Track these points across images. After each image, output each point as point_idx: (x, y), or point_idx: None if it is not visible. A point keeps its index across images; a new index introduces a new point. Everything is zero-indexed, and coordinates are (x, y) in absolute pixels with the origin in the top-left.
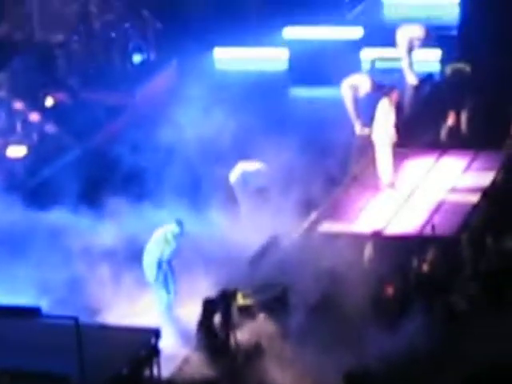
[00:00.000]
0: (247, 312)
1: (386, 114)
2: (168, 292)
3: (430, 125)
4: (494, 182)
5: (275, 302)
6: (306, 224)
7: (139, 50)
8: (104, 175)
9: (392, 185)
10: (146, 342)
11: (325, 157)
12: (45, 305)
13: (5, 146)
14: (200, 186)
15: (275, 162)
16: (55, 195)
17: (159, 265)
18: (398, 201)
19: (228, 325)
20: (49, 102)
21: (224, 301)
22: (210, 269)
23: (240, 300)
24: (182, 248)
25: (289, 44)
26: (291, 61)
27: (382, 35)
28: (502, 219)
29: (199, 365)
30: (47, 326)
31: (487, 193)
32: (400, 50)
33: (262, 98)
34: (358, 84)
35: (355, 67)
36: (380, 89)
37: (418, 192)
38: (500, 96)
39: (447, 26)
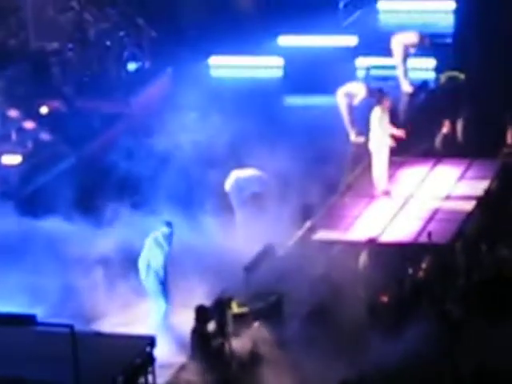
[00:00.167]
0: (242, 320)
1: (379, 122)
2: (166, 300)
3: (425, 133)
4: (488, 191)
5: (270, 310)
6: (301, 232)
7: (134, 58)
8: (99, 183)
9: (387, 193)
10: (141, 350)
11: (320, 165)
12: (40, 312)
13: None
14: (195, 193)
15: (270, 169)
16: (50, 203)
17: (156, 272)
18: (393, 209)
19: (223, 333)
20: (44, 110)
21: (219, 309)
22: (205, 277)
23: (235, 308)
24: (175, 250)
25: (284, 52)
26: (286, 69)
27: (378, 43)
28: (497, 227)
29: (194, 373)
30: (42, 333)
31: (482, 201)
32: (395, 58)
33: (257, 105)
34: (353, 92)
35: (350, 75)
36: (373, 94)
37: (412, 200)
38: (494, 104)
39: (442, 34)
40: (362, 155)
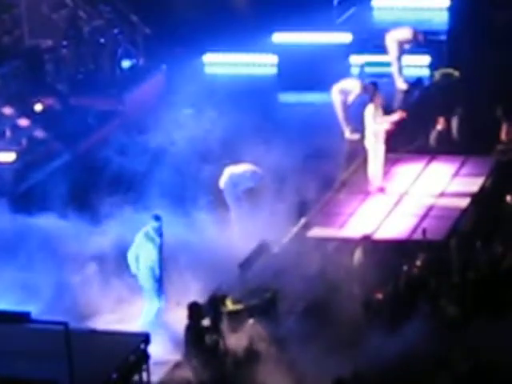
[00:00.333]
0: (237, 317)
1: (373, 119)
2: (159, 297)
3: (420, 130)
4: (483, 188)
5: (265, 306)
6: (295, 229)
7: (128, 55)
8: (93, 180)
9: (382, 190)
10: (135, 348)
11: (314, 161)
12: (34, 310)
13: None
14: (190, 190)
15: (264, 166)
16: (44, 200)
17: (152, 268)
18: (388, 206)
19: (217, 330)
20: (38, 107)
21: (213, 306)
22: (200, 273)
23: (229, 305)
24: (169, 247)
25: (278, 49)
26: (280, 66)
27: (372, 40)
28: (491, 224)
29: (188, 370)
30: (36, 331)
31: (476, 198)
32: (390, 55)
33: (251, 103)
34: (347, 88)
35: (345, 72)
36: (367, 90)
37: (407, 197)
38: (488, 101)
39: (436, 31)
40: (357, 152)
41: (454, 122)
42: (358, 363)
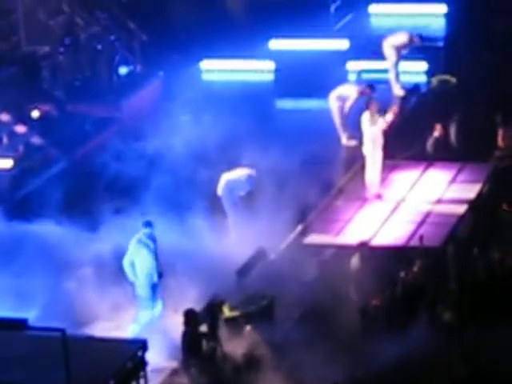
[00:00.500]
0: (234, 324)
1: (370, 127)
2: (153, 304)
3: (417, 136)
4: (480, 194)
5: (262, 313)
6: (292, 235)
7: (125, 62)
8: (90, 187)
9: (379, 196)
10: (132, 354)
11: (311, 167)
12: (30, 316)
13: None
14: (187, 196)
15: (261, 172)
16: (41, 207)
17: (150, 274)
18: (385, 212)
19: (214, 336)
20: (35, 113)
21: (210, 312)
22: (197, 280)
23: (226, 312)
24: (167, 254)
25: (275, 55)
26: (277, 72)
27: (369, 46)
28: (488, 231)
29: (186, 377)
30: (34, 337)
31: (473, 205)
32: (387, 62)
33: (248, 109)
34: (345, 94)
35: (342, 78)
36: (364, 93)
37: (404, 203)
38: (486, 107)
39: (433, 38)
40: (354, 158)
41: (451, 129)
42: (355, 369)
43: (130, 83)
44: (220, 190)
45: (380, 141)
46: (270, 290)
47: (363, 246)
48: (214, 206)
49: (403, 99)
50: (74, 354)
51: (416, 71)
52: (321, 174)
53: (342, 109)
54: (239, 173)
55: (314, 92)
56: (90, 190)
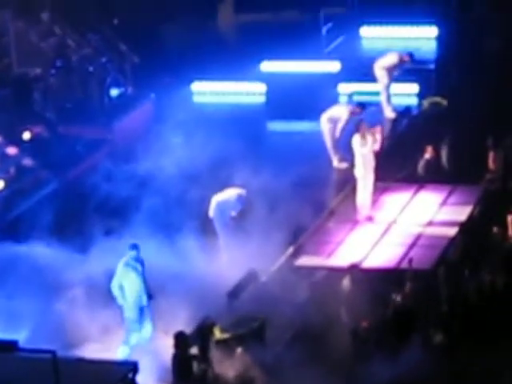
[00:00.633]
0: (225, 346)
1: (361, 149)
2: (142, 327)
3: (408, 159)
4: (471, 217)
5: (253, 335)
6: (284, 257)
7: (117, 84)
8: (81, 209)
9: (370, 218)
10: (123, 376)
11: (302, 190)
12: (21, 338)
13: None
14: (178, 218)
15: (253, 194)
16: (32, 228)
17: (139, 297)
18: (376, 234)
19: (205, 359)
20: (26, 135)
21: (201, 334)
22: (188, 302)
23: (217, 334)
24: (158, 275)
25: (266, 77)
26: (269, 94)
27: (361, 69)
28: (479, 253)
29: None
30: (24, 359)
31: (464, 227)
32: (379, 84)
33: (239, 131)
34: (336, 116)
35: (333, 101)
36: (355, 112)
37: (395, 226)
38: (476, 130)
39: (424, 60)
40: (346, 181)
41: (443, 151)
42: None
43: (122, 105)
44: (211, 212)
45: (372, 163)
46: (261, 311)
47: (354, 268)
48: (205, 227)
49: (394, 121)
50: (64, 376)
51: (407, 93)
52: (312, 196)
53: (333, 131)
54: (229, 193)
55: (306, 114)
56: (81, 211)
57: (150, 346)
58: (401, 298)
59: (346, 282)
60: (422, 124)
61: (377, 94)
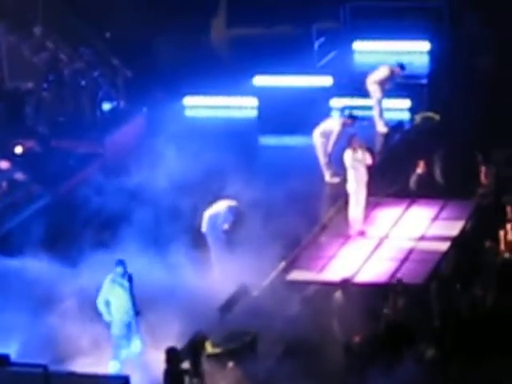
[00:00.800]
0: (216, 360)
1: (353, 164)
2: (128, 344)
3: (400, 173)
4: (463, 231)
5: (245, 350)
6: (275, 272)
7: (109, 98)
8: (73, 223)
9: (362, 233)
10: None
11: (294, 204)
12: (13, 352)
13: None
14: (170, 232)
15: (244, 208)
16: (24, 242)
17: (126, 313)
18: (368, 249)
19: (197, 373)
20: (18, 149)
21: (193, 349)
22: (180, 317)
23: (209, 348)
24: (150, 290)
25: (258, 92)
26: (261, 109)
27: (353, 83)
28: (471, 268)
29: None
30: (16, 373)
31: (456, 241)
32: (372, 98)
33: (231, 146)
34: (328, 129)
35: (325, 115)
36: (346, 124)
37: (387, 240)
38: (469, 145)
39: (417, 75)
40: (338, 195)
41: (435, 166)
42: None
43: (114, 119)
44: (204, 227)
45: (364, 178)
46: (252, 326)
47: (346, 283)
48: (197, 241)
49: (386, 136)
50: None
51: (399, 108)
52: (304, 211)
53: (325, 145)
54: (219, 206)
55: (298, 128)
56: (72, 225)
57: (141, 361)
58: (393, 312)
59: (338, 297)
60: (414, 139)
61: (369, 108)
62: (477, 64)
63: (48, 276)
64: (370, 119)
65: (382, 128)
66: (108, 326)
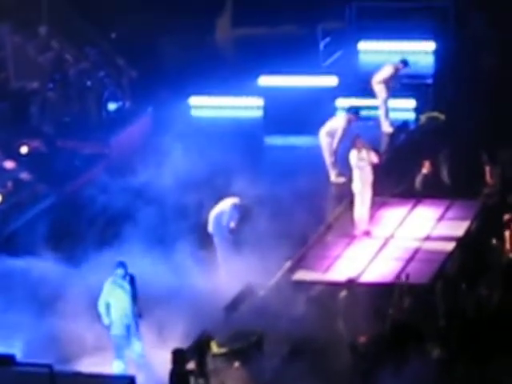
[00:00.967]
0: (222, 360)
1: (358, 164)
2: (129, 344)
3: (405, 173)
4: (468, 231)
5: (250, 350)
6: (281, 272)
7: (114, 98)
8: (79, 222)
9: (367, 233)
10: None
11: (299, 205)
12: (18, 352)
13: None
14: (176, 232)
15: (250, 209)
16: (30, 242)
17: (125, 315)
18: (374, 249)
19: (203, 374)
20: (24, 149)
21: (198, 349)
22: (186, 316)
23: (214, 348)
24: (156, 290)
25: (264, 92)
26: (266, 109)
27: (358, 83)
28: (477, 268)
29: None
30: (21, 373)
31: (462, 241)
32: (377, 98)
33: (237, 146)
34: (334, 127)
35: (330, 115)
36: (350, 120)
37: (393, 240)
38: (474, 144)
39: (422, 75)
40: (343, 195)
41: (440, 166)
42: None
43: (119, 119)
44: (210, 227)
45: (369, 178)
46: (258, 326)
47: (352, 283)
48: (203, 241)
49: (392, 136)
50: None
51: (405, 108)
52: (309, 211)
53: (331, 145)
54: (224, 204)
55: (303, 129)
56: (78, 225)
57: (147, 361)
58: (398, 312)
59: (343, 297)
60: (419, 139)
61: (374, 108)
62: (482, 64)
63: (53, 276)
64: (375, 119)
65: (387, 128)
66: (107, 327)
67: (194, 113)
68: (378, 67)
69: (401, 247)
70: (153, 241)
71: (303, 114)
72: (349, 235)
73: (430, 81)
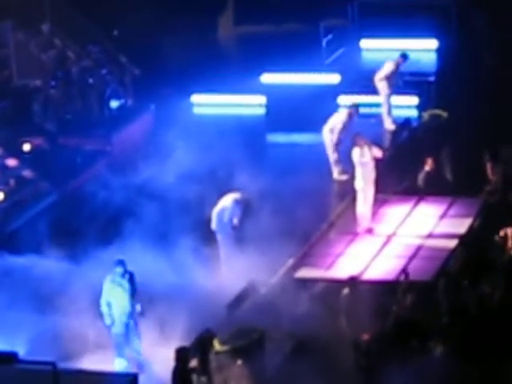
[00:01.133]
0: (224, 358)
1: (360, 161)
2: (129, 342)
3: (408, 171)
4: (471, 229)
5: (252, 347)
6: (283, 269)
7: (117, 95)
8: (81, 220)
9: (370, 230)
10: None
11: (301, 202)
12: (21, 350)
13: None
14: (178, 229)
15: (252, 206)
16: (32, 240)
17: (124, 313)
18: (376, 246)
19: (205, 371)
20: (26, 147)
21: (201, 347)
22: (188, 314)
23: (217, 346)
24: (158, 287)
25: (266, 89)
26: (269, 106)
27: (360, 81)
28: (479, 265)
29: None
30: (24, 371)
31: (464, 239)
32: (380, 96)
33: (239, 143)
34: (336, 122)
35: (333, 113)
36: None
37: (395, 238)
38: (476, 142)
39: (425, 72)
40: (346, 193)
41: (442, 163)
42: None
43: (122, 116)
44: (213, 225)
45: (372, 175)
46: (260, 323)
47: (354, 280)
48: (205, 238)
49: (394, 133)
50: None
51: (407, 105)
52: (312, 208)
53: (334, 142)
54: (225, 200)
55: (305, 126)
56: (80, 222)
57: (149, 359)
58: (401, 309)
59: (346, 294)
60: (421, 136)
61: (377, 105)
62: (484, 62)
63: (56, 273)
64: (377, 116)
65: (389, 125)
66: (109, 327)
67: (197, 110)
68: (380, 65)
69: (403, 244)
70: (155, 238)
71: (306, 111)
72: (351, 232)
73: (432, 78)
